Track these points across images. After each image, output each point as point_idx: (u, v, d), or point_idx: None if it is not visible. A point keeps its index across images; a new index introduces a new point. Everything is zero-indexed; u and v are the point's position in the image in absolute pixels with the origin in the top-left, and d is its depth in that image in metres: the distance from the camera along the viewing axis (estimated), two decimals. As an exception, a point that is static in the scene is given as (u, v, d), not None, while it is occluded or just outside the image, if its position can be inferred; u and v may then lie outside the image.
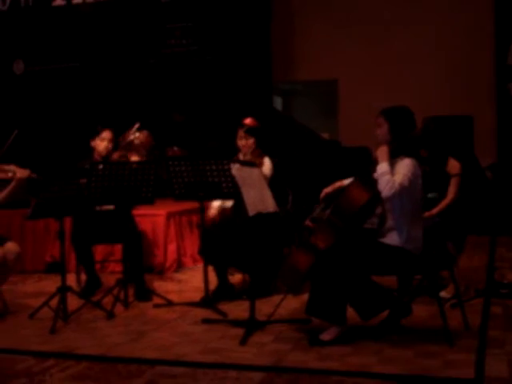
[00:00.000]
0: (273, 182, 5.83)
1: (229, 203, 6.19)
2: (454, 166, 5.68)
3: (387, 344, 4.43)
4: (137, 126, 6.85)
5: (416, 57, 10.18)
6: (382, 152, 4.47)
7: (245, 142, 6.01)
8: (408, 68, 10.19)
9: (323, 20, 10.72)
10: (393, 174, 4.35)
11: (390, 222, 4.50)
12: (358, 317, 4.59)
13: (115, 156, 6.42)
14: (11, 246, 5.44)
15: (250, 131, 5.99)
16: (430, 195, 5.50)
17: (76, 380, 3.96)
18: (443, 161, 5.69)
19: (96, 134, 6.34)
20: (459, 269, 5.58)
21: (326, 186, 4.93)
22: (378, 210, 4.63)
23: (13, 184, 5.48)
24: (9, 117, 10.64)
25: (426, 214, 5.28)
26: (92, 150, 6.41)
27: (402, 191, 4.33)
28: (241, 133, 6.03)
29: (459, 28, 10.06)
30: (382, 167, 4.39)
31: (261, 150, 6.00)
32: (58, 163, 7.83)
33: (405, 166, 4.41)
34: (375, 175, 4.39)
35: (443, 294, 5.42)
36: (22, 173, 5.45)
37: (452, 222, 5.43)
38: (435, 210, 5.49)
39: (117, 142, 6.66)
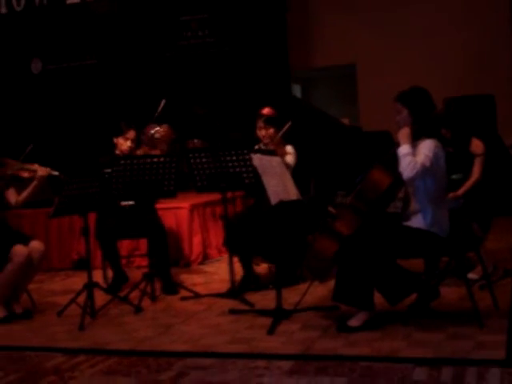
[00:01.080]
0: (295, 169, 5.81)
1: None
2: (477, 145, 5.61)
3: (416, 328, 4.40)
4: (163, 102, 6.83)
5: (434, 38, 10.10)
6: (403, 134, 4.43)
7: (265, 132, 5.97)
8: (426, 49, 10.11)
9: (338, 5, 10.66)
10: (415, 156, 4.31)
11: (414, 205, 4.47)
12: (386, 302, 4.55)
13: (139, 153, 6.41)
14: (36, 245, 5.46)
15: (268, 121, 5.96)
16: (454, 176, 5.45)
17: (106, 375, 3.97)
18: (466, 141, 5.63)
19: (119, 130, 6.33)
20: (486, 250, 5.52)
21: (349, 172, 4.89)
22: (401, 194, 4.61)
23: (34, 183, 5.52)
24: (28, 116, 10.70)
25: (451, 195, 5.23)
26: (114, 146, 6.41)
27: (424, 171, 4.29)
28: (260, 123, 5.99)
29: (478, 7, 9.95)
30: (404, 149, 4.34)
31: (282, 139, 5.96)
32: (79, 160, 7.85)
33: (426, 146, 4.37)
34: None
35: (471, 275, 5.38)
36: (42, 171, 5.48)
37: (477, 203, 5.37)
38: (460, 191, 5.43)
39: (139, 139, 6.66)
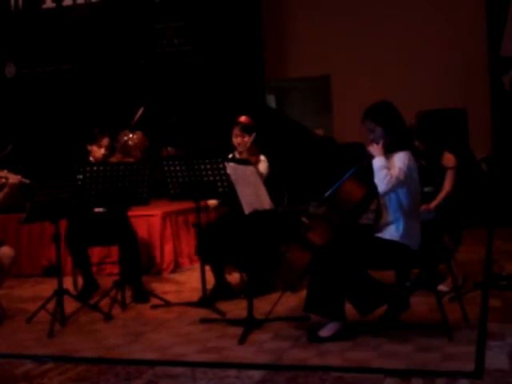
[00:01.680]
0: (268, 179, 5.82)
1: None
2: (449, 159, 5.68)
3: (386, 339, 4.42)
4: (141, 110, 6.80)
5: (408, 51, 10.17)
6: (375, 148, 4.47)
7: (240, 140, 5.97)
8: (400, 62, 10.18)
9: (314, 16, 10.70)
10: (389, 169, 4.35)
11: (386, 217, 4.50)
12: (357, 312, 4.58)
13: (113, 161, 6.38)
14: (6, 250, 5.42)
15: (245, 129, 5.96)
16: (426, 189, 5.50)
17: (75, 383, 3.94)
18: (438, 154, 5.69)
19: (93, 137, 6.30)
20: (457, 262, 5.57)
21: (321, 182, 4.91)
22: (373, 206, 4.63)
23: (5, 190, 5.47)
24: (0, 120, 10.62)
25: (423, 207, 5.27)
26: (88, 152, 6.37)
27: (399, 185, 4.33)
28: (236, 131, 6.00)
29: (452, 22, 10.05)
30: (379, 161, 4.38)
31: (257, 148, 5.97)
32: (52, 166, 7.80)
33: (400, 159, 4.41)
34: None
35: (441, 287, 5.41)
36: (14, 178, 5.43)
37: (448, 215, 5.42)
38: (433, 204, 5.48)
39: (113, 146, 6.63)
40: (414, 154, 4.51)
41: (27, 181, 5.39)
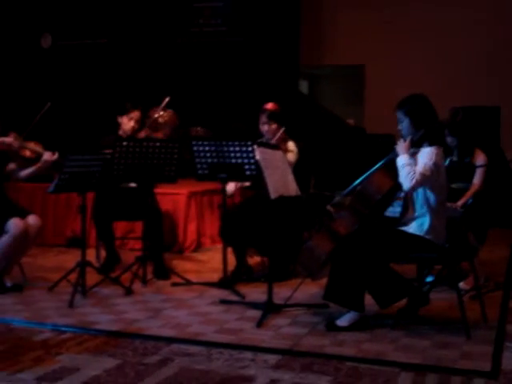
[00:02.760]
0: (296, 165, 5.81)
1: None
2: (479, 156, 5.64)
3: (404, 333, 4.41)
4: (167, 100, 6.81)
5: (444, 46, 10.08)
6: (400, 146, 4.46)
7: (268, 127, 5.95)
8: (436, 57, 10.09)
9: (352, 5, 10.64)
10: (415, 164, 4.33)
11: (412, 211, 4.48)
12: (376, 304, 4.57)
13: (141, 135, 6.40)
14: (33, 219, 5.47)
15: (272, 116, 5.94)
16: (455, 185, 5.46)
17: (92, 354, 3.98)
18: (470, 151, 5.65)
19: (124, 110, 6.31)
20: (480, 261, 5.53)
21: (349, 171, 4.90)
22: (401, 199, 4.62)
23: (38, 165, 5.52)
24: (36, 90, 10.68)
25: (449, 204, 5.23)
26: (118, 125, 6.39)
27: (424, 180, 4.31)
28: (263, 118, 5.97)
29: (487, 18, 9.93)
30: (402, 159, 4.38)
31: (285, 135, 5.95)
32: (83, 138, 7.85)
33: (426, 154, 4.39)
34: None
35: (462, 285, 5.39)
36: (48, 155, 5.47)
37: (475, 213, 5.39)
38: (460, 203, 5.45)
39: (143, 122, 6.65)
40: (445, 150, 4.48)
41: (60, 160, 5.41)
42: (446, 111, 6.16)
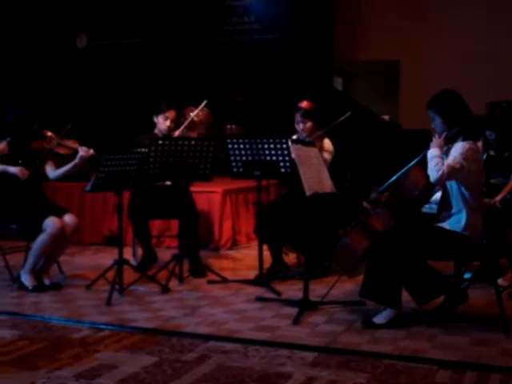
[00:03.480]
0: (332, 163, 5.78)
1: None
2: (520, 151, 5.57)
3: (441, 330, 4.37)
4: (204, 103, 6.84)
5: (480, 40, 9.95)
6: (434, 141, 4.43)
7: (303, 126, 5.91)
8: (472, 51, 9.97)
9: (387, 1, 10.57)
10: (441, 158, 4.30)
11: (449, 208, 4.44)
12: (413, 301, 4.54)
13: (176, 134, 6.42)
14: (70, 218, 5.53)
15: (306, 114, 5.91)
16: (494, 180, 5.40)
17: (130, 351, 4.01)
18: (508, 145, 5.58)
19: (160, 109, 6.34)
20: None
21: (386, 168, 4.87)
22: (438, 195, 4.58)
23: (75, 161, 5.56)
24: (71, 90, 10.80)
25: (487, 200, 5.18)
26: (154, 125, 6.42)
27: (452, 174, 4.26)
28: (298, 117, 5.92)
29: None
30: (432, 152, 4.36)
31: (321, 132, 5.91)
32: (118, 138, 7.90)
33: (457, 149, 4.34)
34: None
35: (501, 281, 5.32)
36: (85, 152, 5.52)
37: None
38: (499, 198, 5.38)
39: (178, 121, 6.67)
40: (484, 145, 4.43)
41: (97, 156, 5.46)
42: (483, 106, 6.11)
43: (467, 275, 5.15)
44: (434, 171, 4.27)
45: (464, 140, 4.38)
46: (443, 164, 4.25)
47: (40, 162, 5.58)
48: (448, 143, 4.43)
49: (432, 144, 4.44)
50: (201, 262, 6.22)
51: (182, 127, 6.37)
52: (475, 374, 3.63)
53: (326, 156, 5.77)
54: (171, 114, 6.33)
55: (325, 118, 5.95)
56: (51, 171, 5.66)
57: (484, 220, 4.47)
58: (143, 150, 5.46)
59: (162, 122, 6.31)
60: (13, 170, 5.46)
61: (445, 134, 4.43)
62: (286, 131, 6.12)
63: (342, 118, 5.76)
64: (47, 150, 5.56)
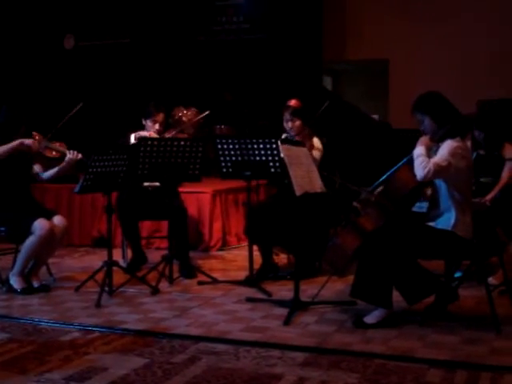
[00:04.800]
0: (321, 162, 5.77)
1: None
2: (509, 150, 5.57)
3: (432, 329, 4.37)
4: (206, 113, 6.86)
5: (470, 38, 9.97)
6: (421, 140, 4.43)
7: (292, 124, 5.91)
8: (461, 50, 9.98)
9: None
10: (427, 157, 4.30)
11: (438, 206, 4.44)
12: (404, 301, 4.53)
13: (167, 136, 6.41)
14: (59, 220, 5.51)
15: (295, 113, 5.90)
16: (483, 179, 5.40)
17: (120, 353, 3.99)
18: (499, 145, 5.59)
19: (148, 113, 6.32)
20: (509, 255, 5.47)
21: (375, 167, 4.87)
22: (428, 195, 4.58)
23: (63, 164, 5.55)
24: (59, 91, 10.75)
25: (479, 199, 5.18)
26: (143, 127, 6.40)
27: (439, 172, 4.25)
28: (286, 115, 5.92)
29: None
30: (417, 150, 4.36)
31: (310, 130, 5.91)
32: (106, 139, 7.88)
33: (445, 147, 4.34)
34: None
35: (491, 280, 5.32)
36: (73, 155, 5.50)
37: (503, 208, 5.33)
38: (489, 197, 5.38)
39: (167, 122, 6.66)
40: (473, 144, 4.43)
41: (85, 159, 5.43)
42: (473, 104, 6.12)
43: (457, 274, 5.15)
44: (419, 169, 4.27)
45: (451, 138, 4.38)
46: (429, 162, 4.25)
47: (27, 163, 5.55)
48: (438, 142, 4.42)
49: (418, 142, 4.43)
50: (191, 263, 6.21)
51: (174, 132, 6.37)
52: (466, 373, 3.63)
53: (316, 154, 5.76)
54: (160, 117, 6.32)
55: (313, 116, 5.94)
56: (39, 173, 5.64)
57: (474, 219, 4.47)
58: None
59: (151, 126, 6.30)
60: (28, 141, 5.43)
61: (432, 133, 4.42)
62: (276, 131, 6.11)
63: (323, 108, 5.77)
64: (35, 152, 5.53)
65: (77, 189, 5.24)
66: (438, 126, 4.41)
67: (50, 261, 5.85)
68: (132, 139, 6.21)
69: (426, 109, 4.46)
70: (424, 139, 4.43)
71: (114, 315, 4.80)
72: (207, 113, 6.86)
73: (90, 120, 10.19)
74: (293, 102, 5.97)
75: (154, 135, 6.19)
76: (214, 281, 5.81)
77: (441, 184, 4.40)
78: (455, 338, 4.21)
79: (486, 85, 9.33)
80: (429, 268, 4.55)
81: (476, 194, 4.78)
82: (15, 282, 5.42)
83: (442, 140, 4.40)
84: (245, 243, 6.88)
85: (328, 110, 5.83)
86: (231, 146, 5.53)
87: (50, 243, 5.41)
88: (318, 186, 4.91)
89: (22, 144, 5.42)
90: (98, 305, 5.02)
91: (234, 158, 5.55)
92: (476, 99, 6.87)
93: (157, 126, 6.29)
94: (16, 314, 4.83)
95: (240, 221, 7.59)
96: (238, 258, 6.93)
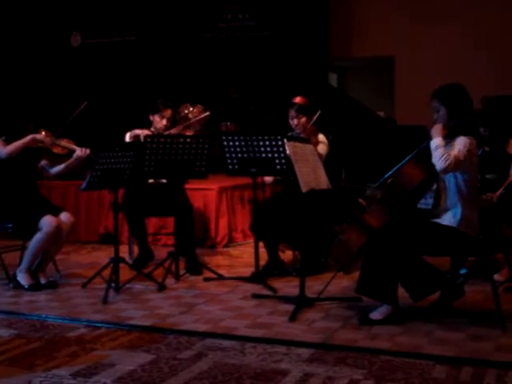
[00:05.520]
0: (327, 158, 5.78)
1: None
2: (514, 146, 5.58)
3: (438, 325, 4.38)
4: (207, 114, 6.90)
5: (476, 36, 9.95)
6: (436, 129, 4.41)
7: (297, 121, 5.90)
8: (468, 47, 9.96)
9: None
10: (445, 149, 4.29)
11: (444, 202, 4.44)
12: (409, 297, 4.54)
13: (173, 133, 6.42)
14: (66, 216, 5.52)
15: (301, 110, 5.90)
16: (489, 176, 5.40)
17: (126, 349, 4.00)
18: (504, 141, 5.58)
19: (156, 108, 6.33)
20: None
21: (381, 164, 4.87)
22: (433, 191, 4.58)
23: (71, 161, 5.57)
24: (66, 89, 10.78)
25: (488, 195, 5.18)
26: (150, 123, 6.42)
27: (458, 165, 4.25)
28: (292, 112, 5.91)
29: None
30: (435, 141, 4.33)
31: (315, 127, 5.92)
32: (114, 136, 7.89)
33: (461, 142, 4.34)
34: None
35: (497, 277, 5.33)
36: (81, 151, 5.52)
37: (509, 204, 5.32)
38: (498, 193, 5.37)
39: (174, 119, 6.67)
40: (477, 140, 4.43)
41: (93, 156, 5.45)
42: (477, 102, 6.08)
43: (463, 271, 5.16)
44: (441, 161, 4.23)
45: (464, 135, 4.38)
46: (449, 154, 4.24)
47: (34, 160, 5.58)
48: (446, 137, 4.41)
49: (433, 131, 4.41)
50: (197, 259, 6.23)
51: (181, 127, 6.39)
52: (472, 370, 3.62)
53: (321, 148, 5.76)
54: (167, 113, 6.33)
55: (320, 113, 5.94)
56: (46, 170, 5.67)
57: (480, 215, 4.47)
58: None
59: (159, 121, 6.31)
60: (39, 136, 5.47)
61: (443, 123, 4.42)
62: (282, 128, 6.11)
63: (315, 118, 5.76)
64: (43, 149, 5.56)
65: (83, 186, 5.25)
66: (451, 119, 4.41)
67: (57, 257, 5.87)
68: (127, 138, 6.23)
69: (445, 100, 4.45)
70: (439, 128, 4.39)
71: (120, 311, 4.82)
72: (208, 113, 6.88)
73: (97, 117, 10.23)
74: (298, 99, 5.96)
75: (148, 133, 6.19)
76: (220, 277, 5.82)
77: (450, 179, 4.40)
78: (461, 334, 4.22)
79: (492, 82, 9.31)
80: (434, 264, 4.56)
81: (481, 190, 4.78)
82: (22, 279, 5.44)
83: (452, 135, 4.39)
84: (251, 240, 6.89)
85: (334, 107, 5.82)
86: (237, 143, 5.53)
87: (57, 240, 5.43)
88: (323, 182, 4.92)
89: (34, 139, 5.44)
90: (105, 301, 5.04)
91: (239, 155, 5.55)
92: (481, 96, 6.86)
93: (164, 122, 6.29)
94: (23, 311, 4.85)
95: (246, 217, 7.59)
96: (243, 255, 6.94)
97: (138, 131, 6.25)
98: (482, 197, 4.87)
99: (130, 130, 6.34)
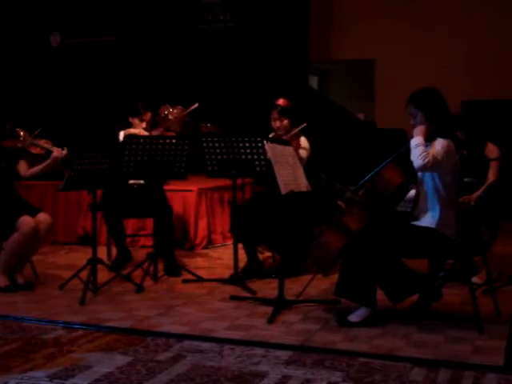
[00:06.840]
0: (307, 161, 5.78)
1: None
2: (491, 150, 5.61)
3: (416, 328, 4.39)
4: (195, 106, 6.85)
5: (456, 40, 10.02)
6: (419, 129, 4.42)
7: (279, 124, 5.90)
8: (447, 51, 10.03)
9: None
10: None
11: (422, 204, 4.46)
12: (388, 300, 4.55)
13: (155, 134, 6.40)
14: (43, 217, 5.48)
15: (283, 112, 5.89)
16: (467, 179, 5.43)
17: (104, 351, 3.98)
18: (481, 145, 5.62)
19: (136, 111, 6.30)
20: (492, 255, 5.50)
21: (360, 166, 4.88)
22: (412, 193, 4.60)
23: (48, 161, 5.53)
24: (45, 89, 10.72)
25: (462, 199, 5.20)
26: (130, 125, 6.39)
27: (435, 164, 4.27)
28: (274, 114, 5.91)
29: (500, 13, 9.86)
30: (416, 140, 4.36)
31: (298, 131, 5.91)
32: (91, 136, 7.86)
33: (439, 143, 4.37)
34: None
35: (475, 279, 5.35)
36: (58, 152, 5.48)
37: (487, 207, 5.35)
38: (475, 195, 5.40)
39: (154, 121, 6.65)
40: (455, 144, 4.46)
41: (70, 156, 5.42)
42: (458, 105, 6.14)
43: (441, 273, 5.17)
44: (419, 159, 4.25)
45: (442, 138, 4.40)
46: (428, 153, 4.26)
47: (11, 160, 5.53)
48: (426, 140, 4.42)
49: (415, 132, 4.42)
50: (176, 261, 6.21)
51: (161, 130, 6.37)
52: (449, 372, 3.64)
53: (303, 153, 5.76)
54: (147, 115, 6.34)
55: (301, 116, 5.94)
56: (24, 170, 5.61)
57: (458, 218, 4.50)
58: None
59: (138, 124, 6.31)
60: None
61: (426, 125, 4.44)
62: (262, 131, 6.10)
63: (300, 128, 5.76)
64: (20, 149, 5.51)
65: (61, 186, 5.22)
66: (429, 123, 4.43)
67: (35, 258, 5.82)
68: (121, 137, 6.20)
69: (421, 104, 4.47)
70: (422, 128, 4.41)
71: (98, 313, 4.79)
72: (196, 105, 6.84)
73: (77, 117, 10.19)
74: (281, 101, 5.95)
75: (144, 133, 6.19)
76: (199, 279, 5.81)
77: (428, 182, 4.42)
78: (439, 336, 4.23)
79: (470, 86, 9.38)
80: (413, 267, 4.58)
81: (459, 193, 4.80)
82: (-1, 280, 5.40)
83: (430, 139, 4.41)
84: (230, 241, 6.89)
85: (314, 110, 5.83)
86: (217, 145, 5.52)
87: (34, 240, 5.39)
88: (303, 184, 4.92)
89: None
90: (83, 302, 5.01)
91: (219, 157, 5.54)
92: (460, 100, 6.91)
93: (144, 125, 6.30)
94: (0, 312, 4.80)
95: (225, 219, 7.59)
96: (223, 257, 6.94)
97: (132, 130, 6.23)
98: (458, 200, 4.88)
99: (121, 128, 6.30)
